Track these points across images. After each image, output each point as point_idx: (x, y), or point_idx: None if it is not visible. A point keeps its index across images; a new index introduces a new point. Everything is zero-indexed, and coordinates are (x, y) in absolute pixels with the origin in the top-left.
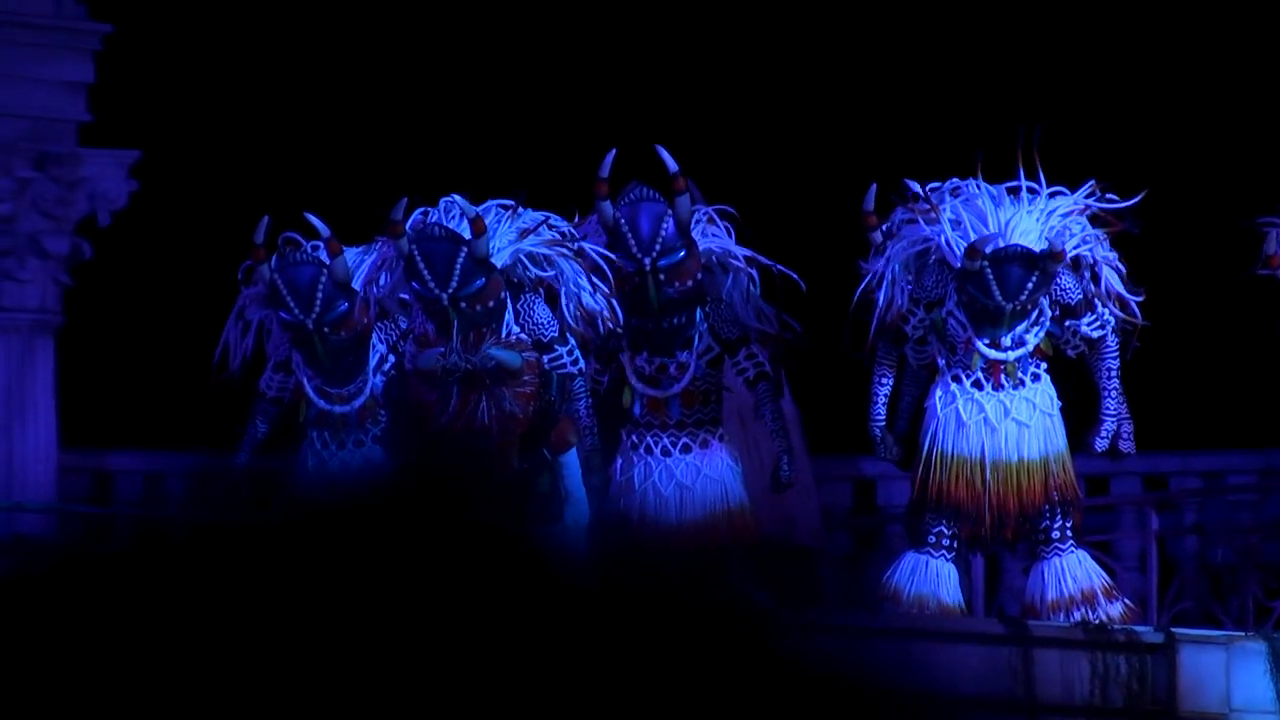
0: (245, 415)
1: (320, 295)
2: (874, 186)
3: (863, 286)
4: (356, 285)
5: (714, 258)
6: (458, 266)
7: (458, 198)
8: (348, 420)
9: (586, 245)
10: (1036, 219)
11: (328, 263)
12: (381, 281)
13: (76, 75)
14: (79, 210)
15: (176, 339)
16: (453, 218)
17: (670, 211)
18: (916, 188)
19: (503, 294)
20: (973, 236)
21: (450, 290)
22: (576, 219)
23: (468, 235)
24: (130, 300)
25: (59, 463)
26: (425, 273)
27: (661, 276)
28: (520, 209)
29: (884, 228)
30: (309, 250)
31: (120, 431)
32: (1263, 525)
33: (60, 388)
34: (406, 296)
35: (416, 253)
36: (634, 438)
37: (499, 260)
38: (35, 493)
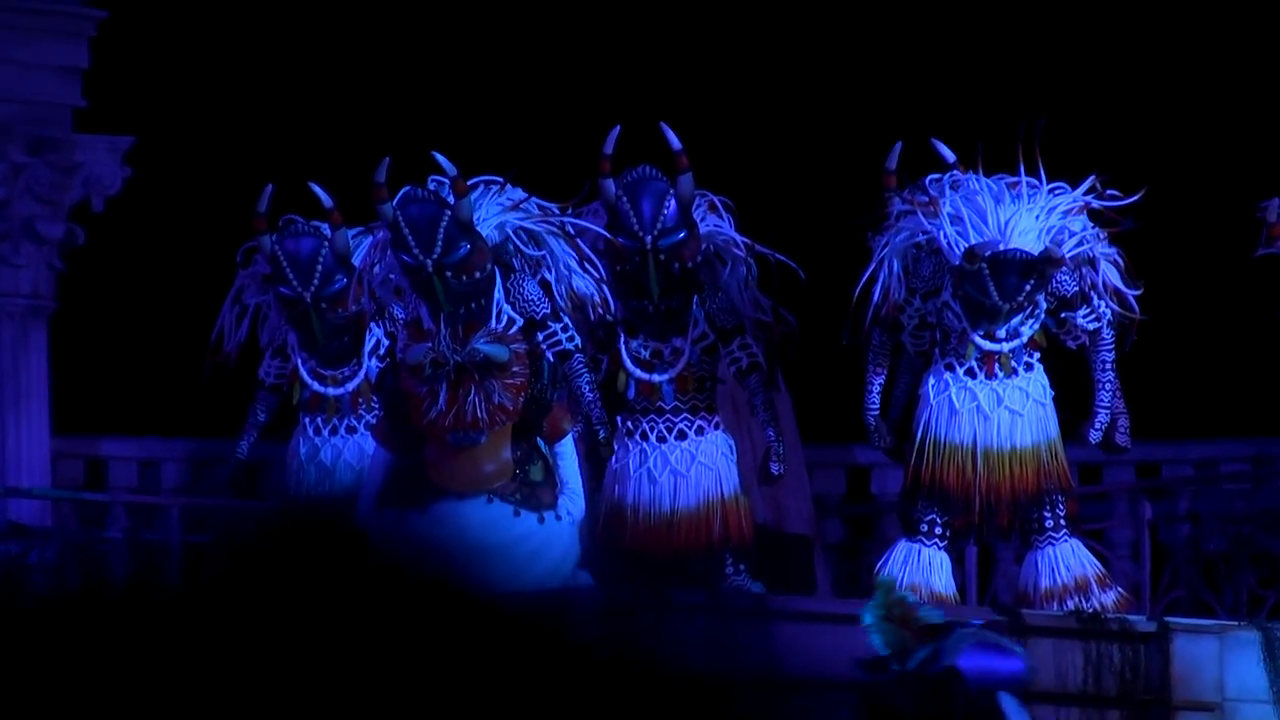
0: (242, 402)
1: (320, 269)
2: (899, 145)
3: (864, 278)
4: (355, 262)
5: (714, 247)
6: (441, 231)
7: (438, 154)
8: (340, 404)
9: (569, 223)
10: (1036, 217)
11: (329, 235)
12: (376, 269)
13: (72, 60)
14: (73, 196)
15: (171, 325)
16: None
17: (673, 191)
18: (944, 149)
19: (489, 266)
20: (972, 235)
21: (435, 256)
22: (570, 210)
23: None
24: (124, 286)
25: (53, 449)
26: (410, 239)
27: (661, 256)
28: (507, 186)
29: (903, 194)
30: (308, 225)
31: (114, 418)
32: (1256, 514)
33: (54, 373)
34: (395, 278)
35: (401, 218)
36: (629, 424)
37: (485, 230)
38: (29, 479)
